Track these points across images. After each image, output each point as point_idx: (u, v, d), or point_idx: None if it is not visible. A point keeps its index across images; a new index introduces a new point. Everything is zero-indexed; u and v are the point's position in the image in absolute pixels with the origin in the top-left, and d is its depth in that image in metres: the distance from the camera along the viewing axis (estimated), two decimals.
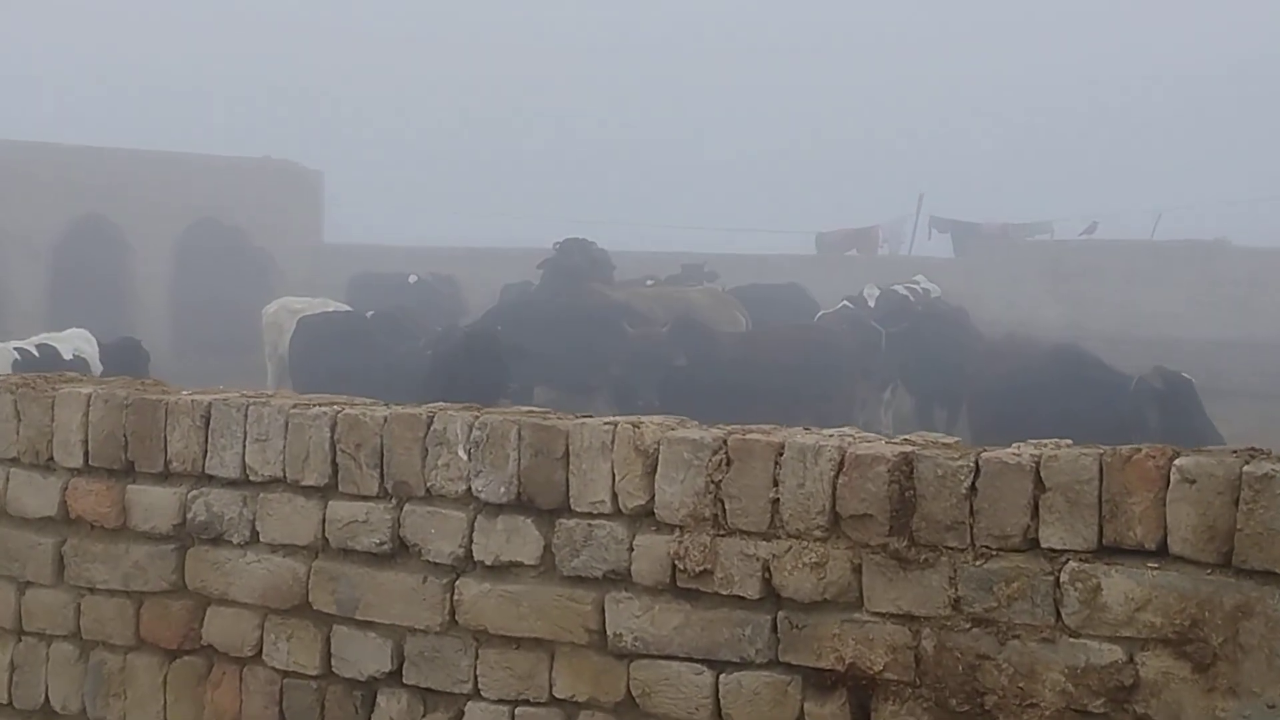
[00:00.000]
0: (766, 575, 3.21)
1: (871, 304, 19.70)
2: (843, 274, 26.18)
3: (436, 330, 15.15)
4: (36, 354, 12.34)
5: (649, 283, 20.99)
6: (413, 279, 22.86)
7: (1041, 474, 2.99)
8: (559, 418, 3.52)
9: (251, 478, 3.73)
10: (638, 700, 3.34)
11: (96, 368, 12.30)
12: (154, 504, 3.83)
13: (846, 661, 3.14)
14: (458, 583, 3.51)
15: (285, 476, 3.69)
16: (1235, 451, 2.91)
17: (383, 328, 15.39)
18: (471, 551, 3.49)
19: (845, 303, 19.70)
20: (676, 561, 3.28)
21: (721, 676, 3.26)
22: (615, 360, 14.38)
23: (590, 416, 3.52)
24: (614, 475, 3.35)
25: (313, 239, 30.64)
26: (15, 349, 12.42)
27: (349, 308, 17.48)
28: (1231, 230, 30.16)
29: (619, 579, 3.35)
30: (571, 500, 3.40)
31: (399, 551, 3.58)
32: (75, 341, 13.03)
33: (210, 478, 3.78)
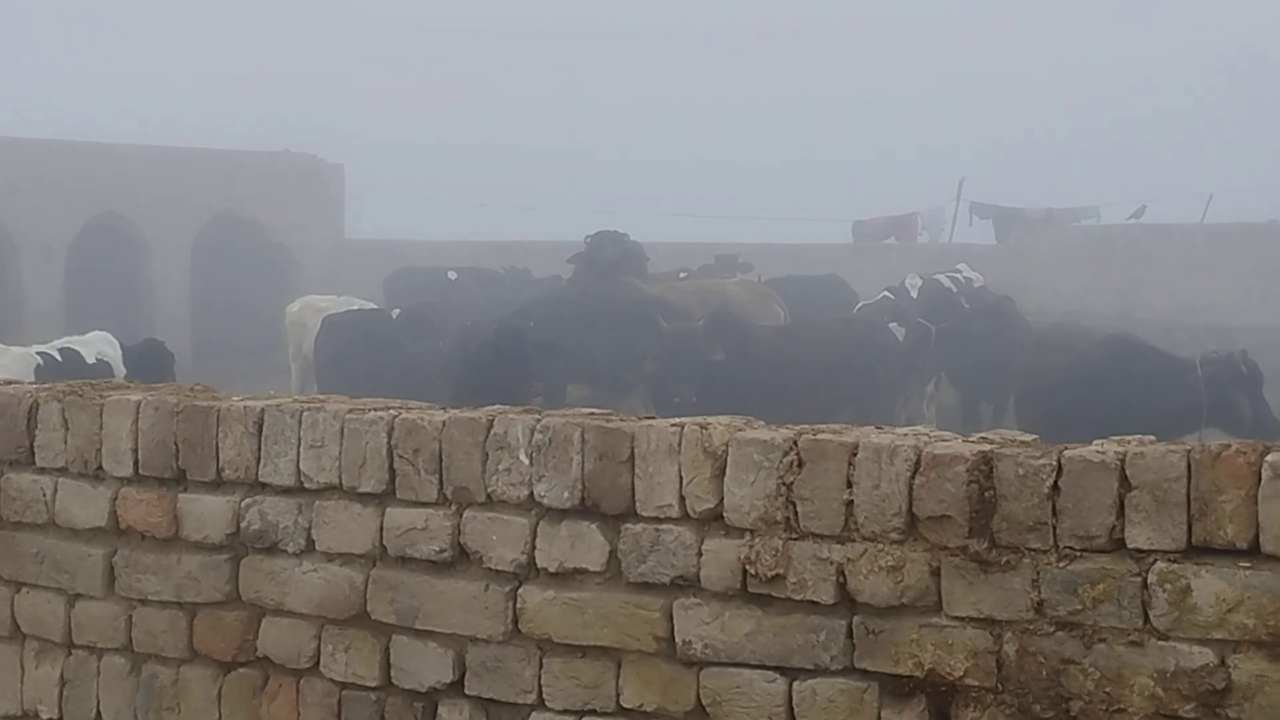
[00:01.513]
0: (841, 579, 3.21)
1: (914, 295, 19.67)
2: (881, 263, 26.14)
3: (466, 327, 15.13)
4: (59, 358, 12.36)
5: (682, 275, 20.97)
6: (452, 275, 22.83)
7: (1127, 472, 2.99)
8: (623, 419, 3.54)
9: (306, 485, 3.75)
10: (708, 709, 3.35)
11: (120, 371, 12.28)
12: (206, 513, 3.86)
13: (925, 667, 3.14)
14: (520, 590, 3.53)
15: (341, 483, 3.71)
16: None
17: (411, 326, 15.43)
18: (534, 558, 3.51)
19: (886, 293, 19.66)
20: (747, 566, 3.29)
21: (795, 684, 3.27)
22: (650, 356, 14.35)
23: (654, 418, 3.54)
24: (681, 478, 3.36)
25: (334, 235, 30.69)
26: (38, 353, 12.45)
27: (374, 305, 17.51)
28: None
29: (687, 585, 3.36)
30: (637, 504, 3.41)
31: (459, 559, 3.60)
32: (98, 344, 13.05)
33: (264, 485, 3.81)
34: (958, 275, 22.13)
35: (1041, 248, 28.48)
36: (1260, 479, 2.88)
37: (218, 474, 3.86)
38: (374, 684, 3.69)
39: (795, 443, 3.29)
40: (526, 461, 3.52)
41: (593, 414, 3.61)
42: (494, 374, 11.97)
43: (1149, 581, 2.96)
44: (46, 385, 4.28)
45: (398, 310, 16.77)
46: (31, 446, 4.09)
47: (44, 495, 4.07)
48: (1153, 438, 3.14)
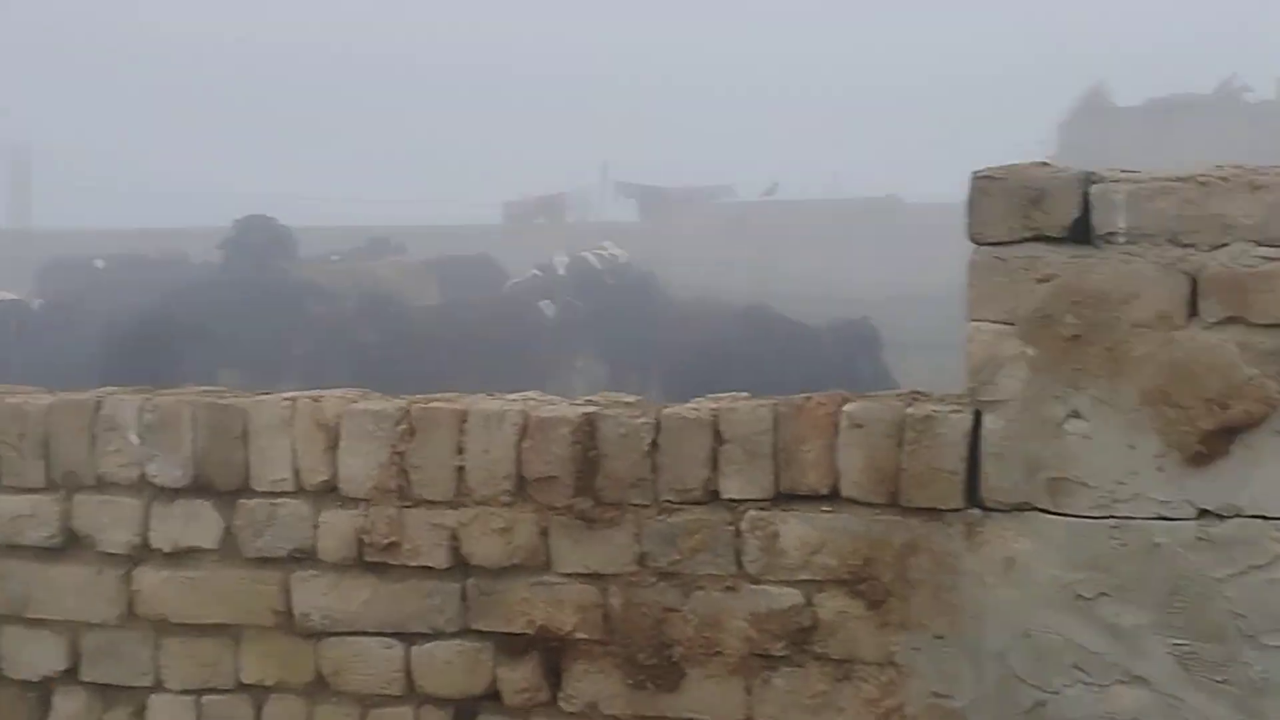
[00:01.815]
0: (454, 544, 3.18)
1: (561, 272, 19.85)
2: (532, 242, 26.33)
3: (111, 315, 14.57)
4: None
5: (334, 258, 20.70)
6: (100, 264, 21.87)
7: (720, 427, 3.04)
8: (236, 396, 3.42)
9: None
10: (328, 679, 3.27)
11: None
12: None
13: (537, 624, 3.14)
14: (135, 572, 3.37)
15: None
16: (899, 395, 3.02)
17: (53, 316, 14.79)
18: (148, 539, 3.36)
19: (535, 271, 19.84)
20: (363, 536, 3.22)
21: (413, 649, 3.22)
22: (300, 339, 14.14)
23: (268, 395, 3.43)
24: (295, 452, 3.27)
25: (18, 222, 29.14)
26: None
27: (15, 296, 16.67)
28: (902, 188, 31.49)
29: (304, 557, 3.27)
30: (252, 480, 3.30)
31: (70, 544, 3.41)
32: None
33: None
34: (603, 253, 22.41)
35: (682, 224, 29.19)
36: (839, 428, 2.97)
37: None
38: None
39: (407, 412, 3.24)
40: (137, 441, 3.36)
41: (205, 391, 3.49)
42: (139, 361, 11.55)
43: (741, 529, 3.02)
44: None
45: (39, 300, 16.05)
46: None
47: None
48: (747, 394, 3.19)
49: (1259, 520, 2.75)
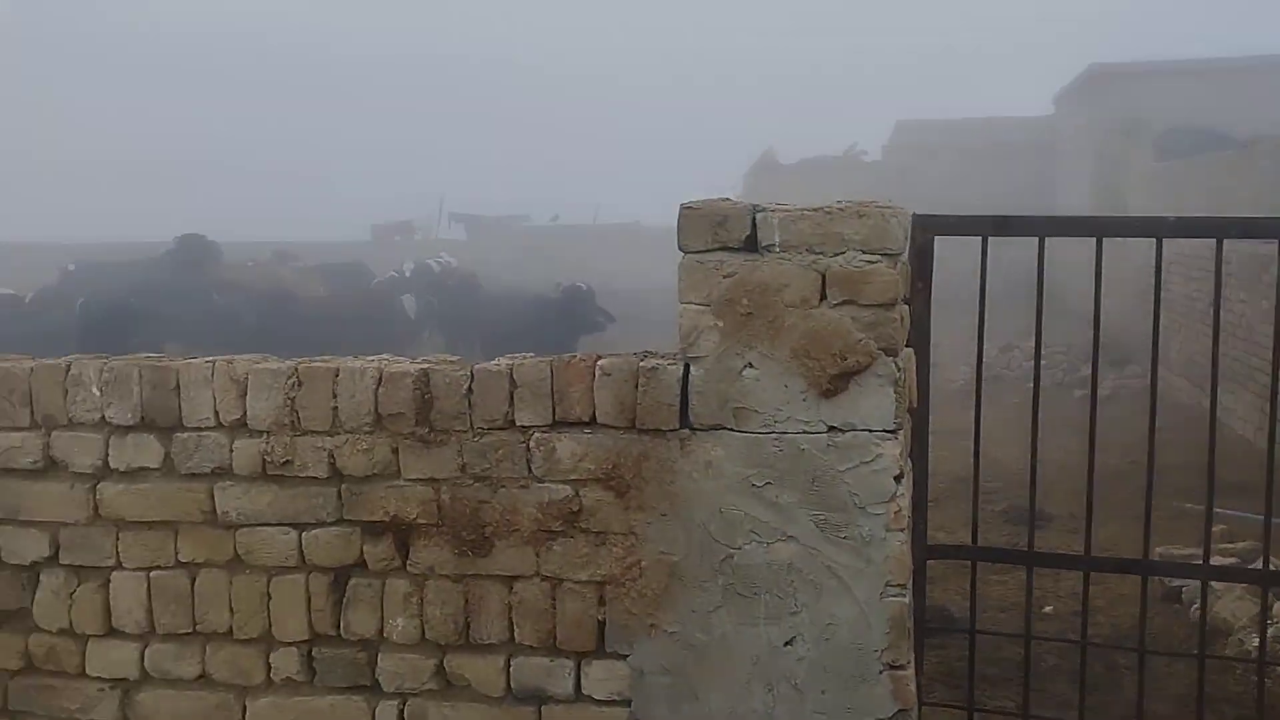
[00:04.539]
0: (332, 460, 3.11)
1: (408, 274, 19.52)
2: (391, 254, 25.72)
3: (78, 304, 13.78)
4: None
5: (249, 264, 19.90)
6: (71, 267, 20.48)
7: (515, 376, 3.04)
8: (171, 360, 3.28)
9: None
10: (243, 557, 3.18)
11: None
12: None
13: (391, 514, 3.10)
14: (99, 486, 3.22)
15: None
16: (635, 353, 3.06)
17: (38, 304, 13.94)
18: (108, 462, 3.21)
19: (392, 273, 19.45)
20: (266, 457, 3.14)
21: (303, 534, 3.15)
22: (222, 321, 13.64)
23: (195, 359, 3.30)
24: (215, 398, 3.16)
25: None
26: None
27: (12, 291, 15.63)
28: (643, 215, 31.75)
29: (224, 472, 3.17)
30: (184, 419, 3.18)
31: (50, 467, 3.24)
32: None
33: None
34: (440, 260, 22.10)
35: (495, 242, 28.88)
36: (595, 376, 3.00)
37: None
38: None
39: (296, 369, 3.15)
40: (98, 393, 3.21)
41: (148, 357, 3.33)
42: (105, 336, 10.97)
43: (530, 446, 3.03)
44: None
45: (30, 293, 15.08)
46: None
47: None
48: (533, 354, 3.20)
49: (865, 432, 2.87)
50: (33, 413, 3.24)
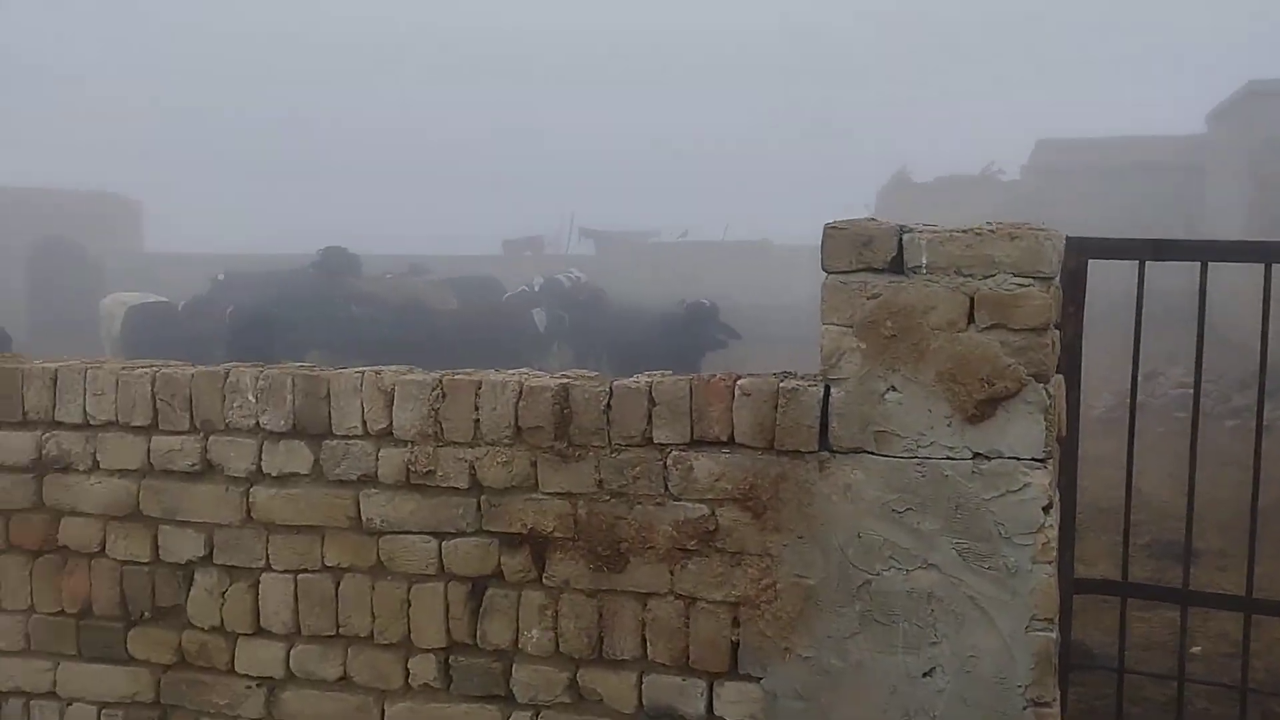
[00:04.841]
0: (473, 472, 3.17)
1: (537, 289, 19.82)
2: (521, 268, 26.18)
3: (228, 313, 14.38)
4: None
5: (387, 276, 20.48)
6: (220, 276, 21.41)
7: (654, 394, 3.05)
8: (322, 369, 3.39)
9: (91, 422, 3.45)
10: (385, 563, 3.26)
11: None
12: (15, 445, 3.50)
13: (528, 527, 3.14)
14: (251, 490, 3.34)
15: (118, 420, 3.43)
16: (774, 374, 3.04)
17: (190, 312, 14.57)
18: (261, 467, 3.33)
19: (523, 288, 19.77)
20: (410, 465, 3.21)
21: (444, 542, 3.21)
22: (362, 330, 14.05)
23: (345, 369, 3.40)
24: (364, 408, 3.25)
25: (136, 251, 28.68)
26: None
27: (165, 299, 16.41)
28: (774, 232, 31.57)
29: (369, 480, 3.25)
30: (333, 427, 3.27)
31: (207, 470, 3.38)
32: None
33: (59, 423, 3.48)
34: (570, 275, 22.38)
35: (623, 258, 29.10)
36: (734, 395, 2.99)
37: (23, 416, 3.50)
38: (146, 560, 3.43)
39: (440, 381, 3.22)
40: (254, 400, 3.33)
41: (300, 366, 3.45)
42: (250, 343, 11.44)
43: (668, 464, 3.03)
44: None
45: (183, 302, 15.79)
46: None
47: None
48: (670, 371, 3.20)
49: (1013, 460, 2.79)
50: (192, 417, 3.38)
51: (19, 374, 3.51)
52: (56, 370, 3.49)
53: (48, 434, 3.49)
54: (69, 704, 3.52)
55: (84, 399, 3.45)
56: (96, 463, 3.46)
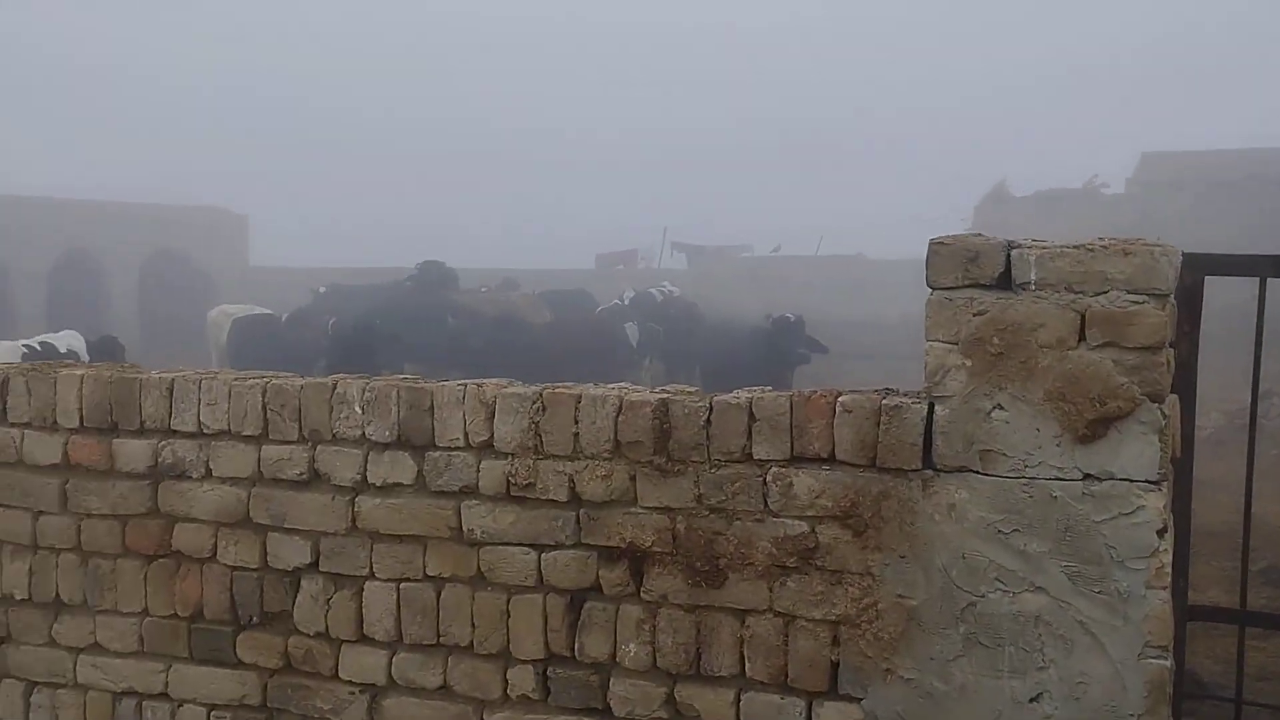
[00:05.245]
0: (572, 485, 3.19)
1: (627, 302, 19.92)
2: (614, 282, 26.30)
3: (330, 324, 14.72)
4: (39, 348, 11.62)
5: (483, 290, 20.79)
6: (322, 289, 21.97)
7: (753, 409, 3.03)
8: (425, 382, 3.45)
9: (205, 431, 3.56)
10: (485, 574, 3.29)
11: (85, 359, 11.62)
12: (133, 452, 3.63)
13: (627, 541, 3.14)
14: (357, 499, 3.41)
15: (230, 429, 3.53)
16: (876, 391, 3.00)
17: (293, 323, 14.95)
18: (366, 477, 3.39)
19: (616, 301, 19.89)
20: (510, 478, 3.24)
21: (542, 555, 3.23)
22: (459, 343, 14.26)
23: (447, 381, 3.46)
24: (465, 420, 3.29)
25: (241, 264, 29.55)
26: (23, 345, 11.70)
27: (269, 311, 16.89)
28: (867, 247, 31.20)
29: (470, 491, 3.29)
30: (436, 438, 3.32)
31: (314, 479, 3.46)
32: (68, 339, 12.29)
33: (175, 432, 3.59)
34: (663, 288, 22.45)
35: (716, 272, 29.03)
36: (835, 412, 2.96)
37: (141, 425, 3.63)
38: (255, 566, 3.52)
39: (541, 395, 3.25)
40: (360, 411, 3.40)
41: (404, 378, 3.51)
42: (350, 355, 11.69)
43: (767, 480, 3.01)
44: (14, 364, 3.97)
45: (285, 314, 16.22)
46: (4, 409, 3.79)
47: (14, 443, 3.77)
48: (770, 387, 3.19)
49: (1126, 481, 2.71)
50: (301, 427, 3.47)
51: (137, 384, 3.64)
52: (173, 380, 3.61)
53: (163, 442, 3.61)
54: (180, 705, 3.62)
55: (198, 408, 3.56)
56: (209, 470, 3.56)
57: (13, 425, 3.79)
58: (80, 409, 3.68)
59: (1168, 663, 2.72)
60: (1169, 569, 2.75)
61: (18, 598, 3.81)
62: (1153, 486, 2.69)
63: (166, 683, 3.64)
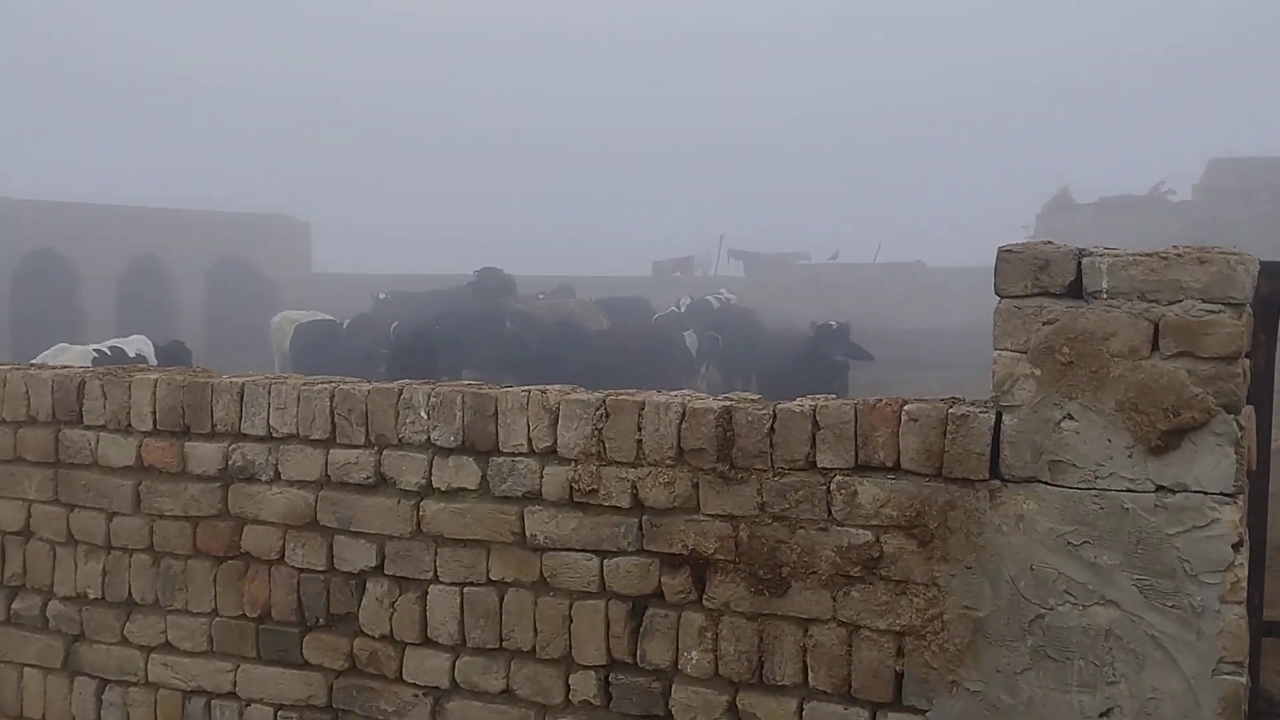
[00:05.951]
0: (635, 491, 3.20)
1: (683, 310, 19.93)
2: (671, 289, 26.32)
3: (389, 328, 14.90)
4: (109, 353, 11.89)
5: (540, 296, 20.91)
6: (382, 296, 22.20)
7: (817, 418, 3.02)
8: (490, 388, 3.48)
9: (274, 434, 3.62)
10: (548, 579, 3.31)
11: (153, 363, 11.87)
12: (205, 455, 3.70)
13: (689, 548, 3.14)
14: (421, 503, 3.45)
15: (298, 433, 3.59)
16: (942, 399, 2.97)
17: (353, 329, 15.15)
18: (431, 481, 3.43)
19: (672, 308, 19.92)
20: (573, 484, 3.26)
21: (605, 561, 3.24)
22: (517, 350, 14.35)
23: (511, 388, 3.48)
24: (529, 426, 3.32)
25: (304, 271, 30.01)
26: (94, 349, 11.99)
27: (331, 317, 17.12)
28: (926, 254, 30.89)
29: (533, 497, 3.31)
30: (500, 444, 3.35)
31: (380, 483, 3.50)
32: (137, 344, 12.59)
33: (245, 435, 3.66)
34: (720, 295, 22.43)
35: (773, 279, 28.93)
36: (900, 420, 2.94)
37: (212, 428, 3.70)
38: (322, 568, 3.58)
39: (604, 401, 3.26)
40: (425, 416, 3.44)
41: (469, 384, 3.54)
42: (411, 360, 11.81)
43: (831, 488, 3.00)
44: (90, 368, 4.08)
45: (347, 320, 16.44)
46: (80, 411, 3.89)
47: (89, 445, 3.87)
48: (834, 395, 3.17)
49: (1200, 494, 2.66)
50: (368, 432, 3.51)
51: (209, 388, 3.71)
52: (243, 385, 3.68)
53: (234, 445, 3.67)
54: (247, 705, 3.68)
55: (267, 412, 3.62)
56: (278, 473, 3.62)
57: (88, 428, 3.88)
58: (154, 412, 3.76)
59: (1243, 679, 2.66)
60: (1244, 583, 2.69)
61: (91, 597, 3.90)
62: (1228, 499, 2.64)
63: (234, 682, 3.70)
